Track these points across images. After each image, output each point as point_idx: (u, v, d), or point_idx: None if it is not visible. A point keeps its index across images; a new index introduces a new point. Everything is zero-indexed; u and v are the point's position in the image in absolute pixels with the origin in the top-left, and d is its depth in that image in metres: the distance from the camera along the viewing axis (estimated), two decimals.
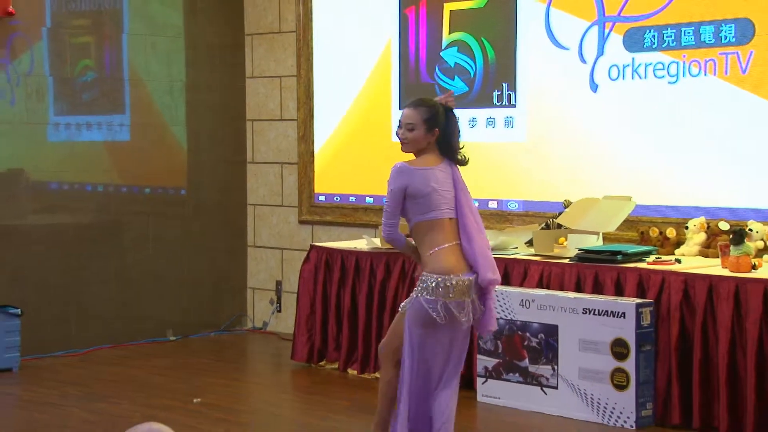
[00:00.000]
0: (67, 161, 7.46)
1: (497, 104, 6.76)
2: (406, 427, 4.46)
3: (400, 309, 4.61)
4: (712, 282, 5.20)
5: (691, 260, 5.64)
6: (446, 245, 4.39)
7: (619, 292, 5.49)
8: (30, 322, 6.85)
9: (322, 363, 6.76)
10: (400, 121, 4.53)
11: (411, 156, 4.51)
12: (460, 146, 4.52)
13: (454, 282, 4.35)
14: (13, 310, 6.74)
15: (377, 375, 6.32)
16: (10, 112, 7.15)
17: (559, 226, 6.06)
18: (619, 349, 5.31)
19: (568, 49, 6.44)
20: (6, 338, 6.67)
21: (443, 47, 7.03)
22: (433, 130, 4.43)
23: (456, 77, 6.94)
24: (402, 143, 4.52)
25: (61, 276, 7.27)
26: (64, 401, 6.00)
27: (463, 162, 4.53)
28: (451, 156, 4.50)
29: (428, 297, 4.37)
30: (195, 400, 5.88)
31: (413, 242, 4.54)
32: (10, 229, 7.11)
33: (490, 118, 6.79)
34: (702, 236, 5.81)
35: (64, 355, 7.12)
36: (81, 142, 7.52)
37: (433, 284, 4.36)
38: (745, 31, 5.75)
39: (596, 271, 5.60)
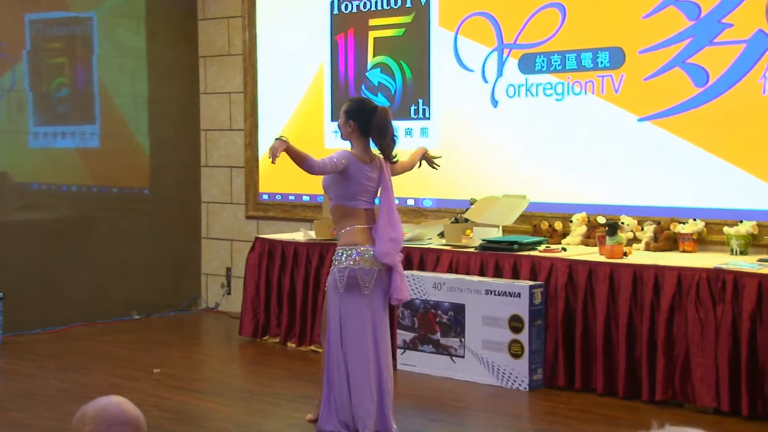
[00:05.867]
0: (45, 165, 7.28)
1: (414, 117, 6.75)
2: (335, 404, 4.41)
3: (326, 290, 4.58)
4: (591, 267, 5.25)
5: (574, 249, 5.69)
6: (358, 226, 4.40)
7: (515, 275, 5.52)
8: (12, 304, 6.67)
9: (265, 338, 6.69)
10: None
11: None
12: (388, 144, 4.49)
13: (360, 250, 4.35)
14: None
15: (313, 347, 6.29)
16: None
17: (466, 220, 6.07)
18: (515, 323, 5.34)
19: (472, 71, 6.45)
20: None
21: (368, 68, 6.99)
22: (348, 122, 4.45)
23: (379, 94, 6.91)
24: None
25: (39, 264, 7.10)
26: (41, 372, 5.85)
27: (391, 160, 4.55)
28: (385, 152, 4.50)
29: (341, 267, 4.35)
30: (155, 371, 5.78)
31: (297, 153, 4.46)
32: None
33: (409, 128, 6.77)
34: (583, 228, 5.86)
35: (42, 332, 6.95)
36: (57, 148, 7.35)
37: (343, 256, 4.35)
38: (617, 57, 5.80)
39: (497, 258, 5.61)
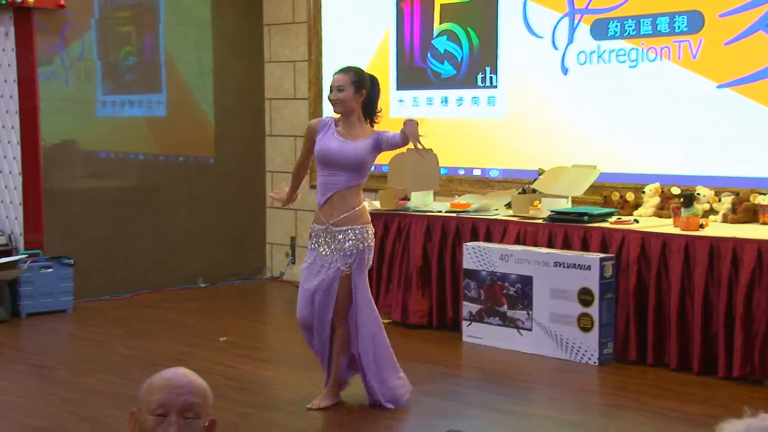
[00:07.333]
0: (113, 133, 7.30)
1: (481, 85, 6.58)
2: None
3: (342, 274, 4.37)
4: (665, 239, 5.06)
5: (647, 220, 5.50)
6: (366, 202, 4.56)
7: (585, 247, 5.35)
8: (81, 271, 6.73)
9: None
10: (331, 85, 4.42)
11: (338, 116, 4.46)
12: (378, 110, 4.46)
13: (371, 229, 4.44)
14: (66, 260, 6.62)
15: None
16: (65, 92, 6.98)
17: (534, 191, 5.91)
18: (584, 296, 5.18)
19: (542, 37, 6.25)
20: (61, 284, 6.55)
21: (434, 36, 6.83)
22: (360, 92, 4.34)
23: (445, 62, 6.75)
24: (333, 104, 4.44)
25: (107, 231, 7.14)
26: (109, 338, 5.88)
27: (374, 123, 4.46)
28: (371, 117, 4.43)
29: (370, 245, 4.40)
30: (221, 339, 5.76)
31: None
32: (64, 191, 6.97)
33: (475, 97, 6.61)
34: (657, 200, 5.66)
35: (110, 299, 7.00)
36: (124, 117, 7.36)
37: (371, 234, 4.41)
38: (695, 21, 5.56)
39: (565, 229, 5.45)
